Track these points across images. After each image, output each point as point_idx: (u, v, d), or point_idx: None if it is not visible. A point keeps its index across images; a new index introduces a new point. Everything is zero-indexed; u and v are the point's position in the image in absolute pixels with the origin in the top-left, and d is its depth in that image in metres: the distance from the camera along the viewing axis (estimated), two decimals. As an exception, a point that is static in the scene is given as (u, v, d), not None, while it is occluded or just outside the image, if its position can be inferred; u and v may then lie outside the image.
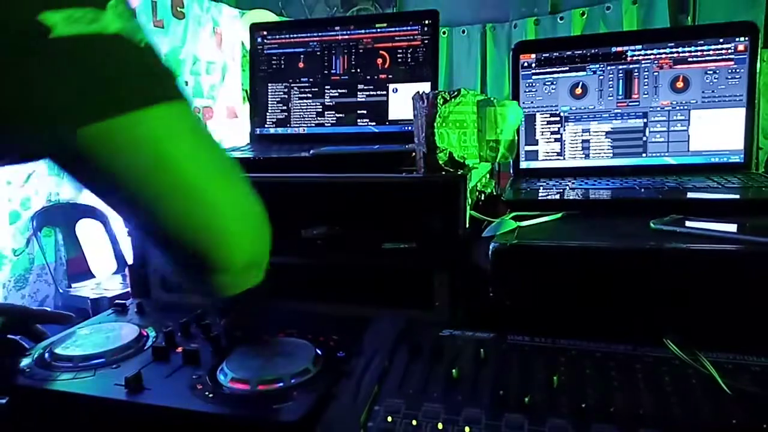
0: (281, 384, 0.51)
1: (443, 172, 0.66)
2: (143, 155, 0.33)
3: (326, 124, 0.98)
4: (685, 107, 0.87)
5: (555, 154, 0.92)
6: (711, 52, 0.86)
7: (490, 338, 0.53)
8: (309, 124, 0.99)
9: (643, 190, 0.75)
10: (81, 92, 0.30)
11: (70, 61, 0.29)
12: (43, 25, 0.28)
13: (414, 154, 0.70)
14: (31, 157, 0.34)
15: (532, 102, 0.92)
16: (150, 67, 0.34)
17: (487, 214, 0.70)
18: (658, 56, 0.87)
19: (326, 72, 0.97)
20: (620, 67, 0.89)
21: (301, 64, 0.98)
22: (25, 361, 0.59)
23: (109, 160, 0.32)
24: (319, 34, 0.97)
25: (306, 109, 0.99)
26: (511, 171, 0.94)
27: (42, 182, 1.50)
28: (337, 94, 0.97)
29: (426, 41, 0.93)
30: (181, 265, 0.42)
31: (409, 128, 0.72)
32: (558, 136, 0.91)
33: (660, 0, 1.76)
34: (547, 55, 0.91)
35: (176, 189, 0.35)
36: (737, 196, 0.71)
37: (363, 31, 0.95)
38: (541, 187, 0.81)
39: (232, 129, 1.72)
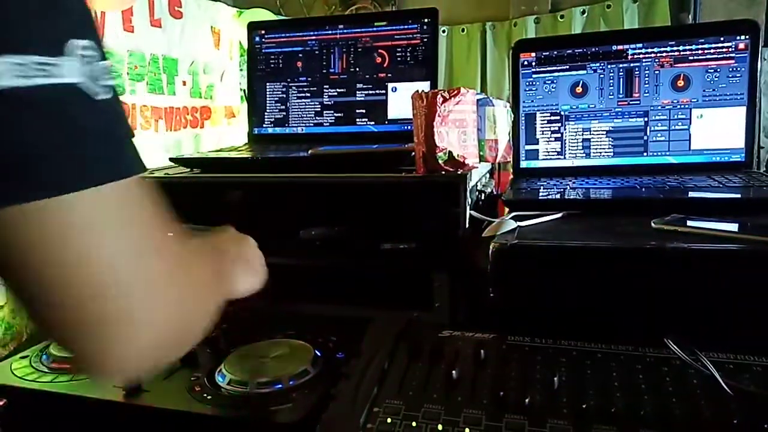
0: (280, 386, 0.51)
1: (443, 172, 0.66)
2: (56, 245, 0.27)
3: (325, 124, 0.97)
4: (686, 106, 0.86)
5: (555, 153, 0.91)
6: (712, 51, 0.85)
7: (490, 339, 0.53)
8: (307, 124, 0.98)
9: (644, 189, 0.75)
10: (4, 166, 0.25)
11: (4, 121, 0.24)
12: None
13: (413, 153, 0.69)
14: None
15: (532, 101, 0.92)
16: (99, 133, 0.28)
17: (487, 214, 0.70)
18: (658, 55, 0.87)
19: (325, 71, 0.97)
20: (621, 65, 0.88)
21: (299, 63, 0.98)
22: (22, 363, 0.58)
23: (9, 240, 0.26)
24: (318, 32, 0.97)
25: (304, 108, 0.98)
26: (511, 170, 0.93)
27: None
28: (335, 93, 0.97)
29: (425, 40, 0.92)
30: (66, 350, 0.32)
31: (409, 127, 0.71)
32: (558, 135, 0.91)
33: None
34: (548, 53, 0.91)
35: (81, 285, 0.28)
36: (739, 195, 0.71)
37: (362, 29, 0.95)
38: (542, 187, 0.81)
39: (230, 129, 1.72)
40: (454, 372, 0.47)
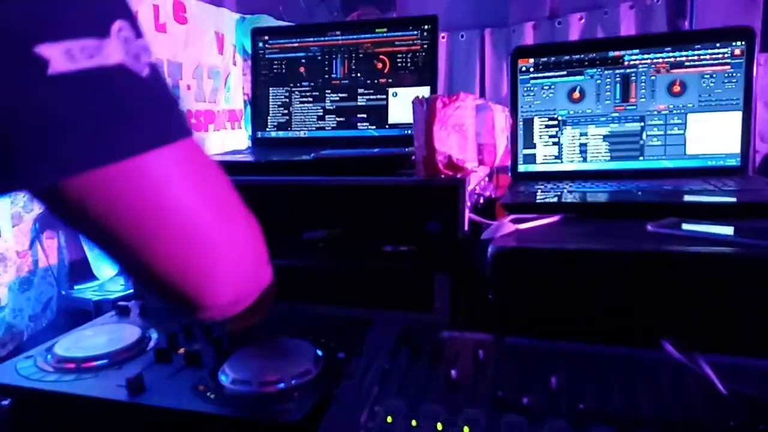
0: (282, 385, 0.51)
1: (443, 176, 0.67)
2: (139, 202, 0.30)
3: (327, 128, 0.98)
4: (682, 111, 0.87)
5: (553, 157, 0.92)
6: (708, 57, 0.86)
7: (489, 340, 0.54)
8: (310, 128, 0.99)
9: (640, 193, 0.76)
10: (75, 137, 0.26)
11: (66, 101, 0.26)
12: (40, 59, 0.25)
13: (414, 157, 0.70)
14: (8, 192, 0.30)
15: (530, 106, 0.93)
16: (152, 102, 0.30)
17: (486, 216, 0.71)
18: (655, 61, 0.88)
19: (327, 76, 0.98)
20: (618, 71, 0.89)
21: (302, 69, 0.99)
22: (27, 363, 0.59)
23: (98, 207, 0.29)
24: (320, 39, 0.98)
25: (307, 112, 0.99)
26: (510, 174, 0.94)
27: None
28: (337, 98, 0.98)
29: (425, 46, 0.93)
30: (163, 300, 0.39)
31: (409, 132, 0.72)
32: (556, 139, 0.92)
33: (657, 5, 1.77)
34: (546, 59, 0.92)
35: (172, 235, 0.32)
36: (734, 199, 0.71)
37: (363, 36, 0.96)
38: (540, 191, 0.82)
39: (233, 133, 1.73)
40: (453, 372, 0.47)
